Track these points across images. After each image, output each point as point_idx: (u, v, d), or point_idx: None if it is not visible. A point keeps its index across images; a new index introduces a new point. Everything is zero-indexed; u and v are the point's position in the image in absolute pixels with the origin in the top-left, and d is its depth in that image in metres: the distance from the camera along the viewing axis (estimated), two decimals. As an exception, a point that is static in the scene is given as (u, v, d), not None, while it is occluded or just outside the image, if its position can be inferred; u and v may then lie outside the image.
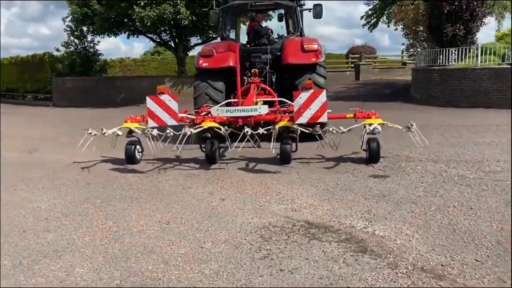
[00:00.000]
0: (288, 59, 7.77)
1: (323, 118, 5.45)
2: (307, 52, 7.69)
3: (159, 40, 21.38)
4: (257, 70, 7.37)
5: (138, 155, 6.62)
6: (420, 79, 14.79)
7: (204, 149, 6.34)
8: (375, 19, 26.99)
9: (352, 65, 24.68)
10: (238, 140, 5.79)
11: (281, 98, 8.00)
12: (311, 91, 5.45)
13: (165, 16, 16.56)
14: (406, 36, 15.89)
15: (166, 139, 6.00)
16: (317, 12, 9.29)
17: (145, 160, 6.77)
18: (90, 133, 6.24)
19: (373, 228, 3.79)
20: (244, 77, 7.86)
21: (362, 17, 28.20)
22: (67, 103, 20.33)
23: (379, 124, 6.01)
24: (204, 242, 3.59)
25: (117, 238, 3.72)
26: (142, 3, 16.58)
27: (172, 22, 17.45)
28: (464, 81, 12.75)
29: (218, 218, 4.14)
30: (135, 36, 21.04)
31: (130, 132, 6.40)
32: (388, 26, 25.66)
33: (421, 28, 14.85)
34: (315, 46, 7.72)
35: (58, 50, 21.65)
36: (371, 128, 5.89)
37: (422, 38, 14.49)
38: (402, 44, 19.86)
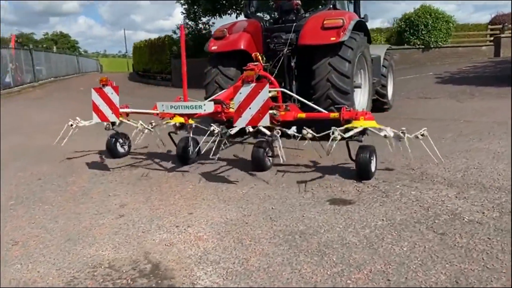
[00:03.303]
0: (304, 39, 6.37)
1: (264, 122, 4.16)
2: (327, 30, 6.17)
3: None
4: (258, 54, 6.19)
5: (122, 149, 6.20)
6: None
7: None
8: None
9: (492, 39, 20.38)
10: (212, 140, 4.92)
11: (301, 87, 6.74)
12: (252, 85, 4.19)
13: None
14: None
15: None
16: None
17: (134, 153, 6.36)
18: (71, 125, 6.01)
19: (211, 292, 2.64)
20: (265, 63, 6.73)
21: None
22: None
23: (368, 128, 4.43)
24: None
25: None
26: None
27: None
28: None
29: (56, 251, 3.37)
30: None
31: (112, 125, 5.97)
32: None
33: None
34: (340, 22, 6.15)
35: (175, 32, 22.74)
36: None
37: None
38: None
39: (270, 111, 4.36)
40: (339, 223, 3.52)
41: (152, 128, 5.61)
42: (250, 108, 4.15)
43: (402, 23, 19.71)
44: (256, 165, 5.08)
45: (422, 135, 4.42)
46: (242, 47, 6.77)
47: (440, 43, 19.32)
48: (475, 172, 4.58)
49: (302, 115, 4.96)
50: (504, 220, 3.33)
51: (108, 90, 4.98)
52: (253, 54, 6.12)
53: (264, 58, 6.79)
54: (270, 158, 5.19)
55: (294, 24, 6.85)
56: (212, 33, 7.94)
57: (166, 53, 23.33)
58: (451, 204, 3.73)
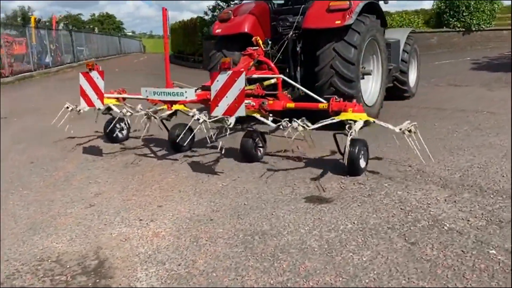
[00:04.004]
0: (308, 22, 5.99)
1: (240, 112, 3.91)
2: (332, 13, 5.78)
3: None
4: (258, 38, 5.88)
5: (120, 133, 6.14)
6: None
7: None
8: None
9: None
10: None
11: (306, 74, 6.40)
12: (229, 72, 3.93)
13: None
14: None
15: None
16: None
17: (134, 138, 6.29)
18: (67, 108, 5.99)
19: (143, 296, 2.49)
20: (268, 48, 6.44)
21: None
22: (212, 66, 21.20)
23: (356, 121, 4.10)
24: None
25: None
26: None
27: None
28: None
29: (13, 240, 3.27)
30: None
31: (108, 109, 5.92)
32: None
33: None
34: (346, 4, 5.73)
35: (206, 14, 22.55)
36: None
37: None
38: None
39: (246, 101, 4.10)
40: (307, 224, 3.26)
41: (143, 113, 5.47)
42: (227, 97, 3.91)
43: (442, 4, 18.56)
44: (244, 155, 4.86)
45: (409, 130, 4.03)
46: (246, 30, 6.49)
47: (482, 26, 18.05)
48: (477, 172, 4.15)
49: (291, 105, 4.68)
50: (488, 230, 2.96)
51: (94, 75, 4.88)
52: (253, 38, 5.83)
53: (270, 43, 6.51)
54: (261, 149, 4.95)
55: (302, 6, 6.48)
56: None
57: (198, 35, 23.22)
58: (436, 209, 3.38)
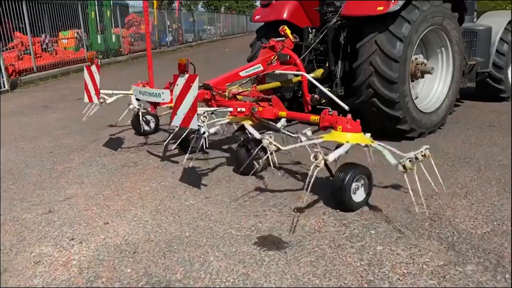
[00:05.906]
0: (347, 7, 4.94)
1: (193, 124, 3.24)
2: (375, -3, 4.67)
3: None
4: (286, 28, 5.02)
5: (147, 127, 5.94)
6: None
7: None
8: None
9: None
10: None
11: (348, 70, 5.39)
12: (186, 76, 3.27)
13: None
14: None
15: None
16: None
17: (162, 130, 6.06)
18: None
19: None
20: (309, 37, 5.61)
21: None
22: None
23: (345, 143, 3.15)
24: None
25: None
26: None
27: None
28: None
29: None
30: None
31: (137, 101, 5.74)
32: None
33: None
34: (395, -15, 4.57)
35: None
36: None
37: None
38: None
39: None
40: (227, 280, 2.58)
41: None
42: (183, 105, 3.32)
43: None
44: (237, 167, 4.24)
45: (423, 155, 2.99)
46: (284, 17, 5.71)
47: None
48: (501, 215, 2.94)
49: (283, 113, 3.86)
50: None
51: (93, 69, 4.66)
52: (280, 28, 5.04)
53: (311, 32, 5.64)
54: (259, 161, 4.26)
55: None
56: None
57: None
58: (408, 286, 2.40)
